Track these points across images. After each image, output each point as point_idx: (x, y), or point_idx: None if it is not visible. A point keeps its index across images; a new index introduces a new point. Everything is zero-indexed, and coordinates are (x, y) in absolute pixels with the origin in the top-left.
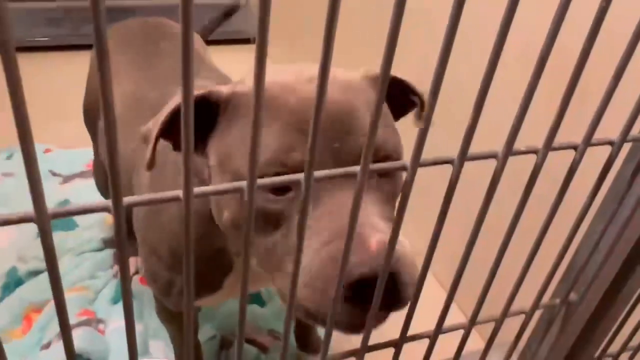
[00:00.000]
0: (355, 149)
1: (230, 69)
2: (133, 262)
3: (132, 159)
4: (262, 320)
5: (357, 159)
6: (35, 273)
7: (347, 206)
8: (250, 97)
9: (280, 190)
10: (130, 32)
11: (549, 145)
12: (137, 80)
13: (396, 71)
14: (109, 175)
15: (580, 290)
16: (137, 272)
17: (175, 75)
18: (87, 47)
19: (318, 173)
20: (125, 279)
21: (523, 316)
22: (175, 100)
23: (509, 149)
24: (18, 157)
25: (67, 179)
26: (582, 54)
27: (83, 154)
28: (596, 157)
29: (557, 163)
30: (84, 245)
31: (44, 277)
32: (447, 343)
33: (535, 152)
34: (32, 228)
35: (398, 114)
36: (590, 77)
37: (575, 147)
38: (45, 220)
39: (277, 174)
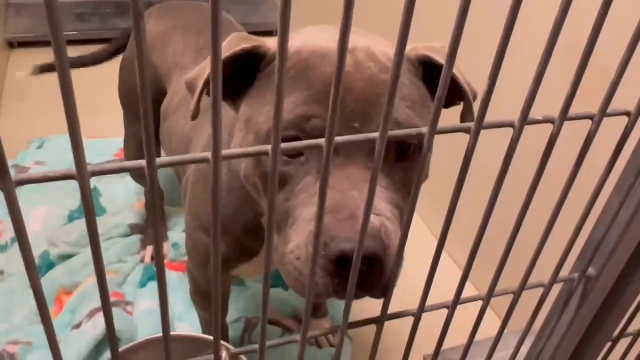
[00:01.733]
0: (374, 131)
1: None
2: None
3: (189, 136)
4: (285, 303)
5: (373, 144)
6: (65, 257)
7: (348, 182)
8: (289, 60)
9: (291, 154)
10: (185, 14)
11: (564, 114)
12: (198, 60)
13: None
14: (143, 137)
15: (598, 264)
16: (163, 257)
17: None
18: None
19: (338, 138)
20: (158, 239)
21: (540, 292)
22: (225, 49)
23: (525, 118)
24: (48, 146)
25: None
26: (596, 25)
27: (111, 144)
28: (614, 128)
29: (575, 135)
30: (112, 231)
31: (75, 261)
32: (465, 319)
33: (551, 121)
34: (61, 214)
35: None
36: (607, 49)
37: (591, 117)
38: (85, 177)
39: (295, 137)
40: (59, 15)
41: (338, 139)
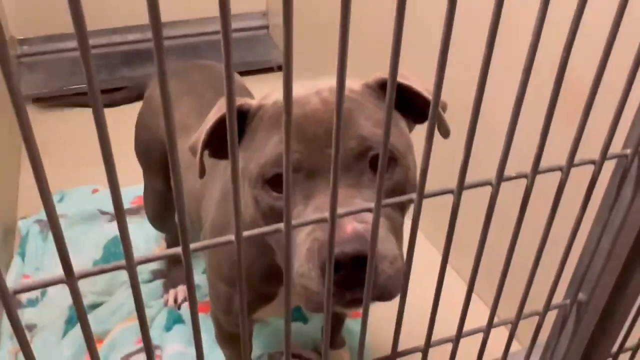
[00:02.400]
0: (345, 153)
1: (257, 96)
2: (182, 291)
3: (200, 193)
4: (306, 336)
5: (347, 161)
6: (93, 306)
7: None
8: (270, 110)
9: (277, 187)
10: (190, 77)
11: (535, 169)
12: (200, 120)
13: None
14: (179, 230)
15: (587, 290)
16: (186, 300)
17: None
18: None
19: (340, 211)
20: (194, 310)
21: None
22: (214, 114)
23: (500, 176)
24: (68, 200)
25: (114, 216)
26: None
27: (128, 192)
28: (587, 173)
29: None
30: None
31: (103, 309)
32: (470, 338)
33: (524, 176)
34: (86, 265)
35: (418, 118)
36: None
37: (560, 169)
38: (134, 267)
39: (277, 174)
40: (93, 69)
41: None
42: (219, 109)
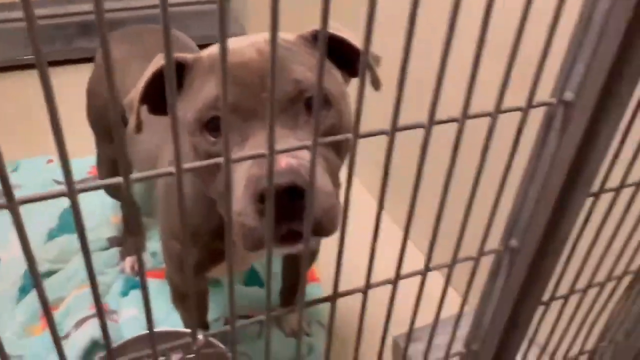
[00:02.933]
0: (280, 94)
1: None
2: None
3: (156, 152)
4: (263, 300)
5: (282, 104)
6: (48, 274)
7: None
8: (206, 61)
9: (215, 132)
10: (143, 41)
11: (465, 114)
12: None
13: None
14: (119, 157)
15: (518, 237)
16: None
17: None
18: (81, 60)
19: (277, 147)
20: (138, 245)
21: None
22: (151, 69)
23: (432, 120)
24: (23, 170)
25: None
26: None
27: (84, 163)
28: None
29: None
30: (91, 245)
31: (57, 277)
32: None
33: (456, 120)
34: (40, 233)
35: (352, 71)
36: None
37: (490, 114)
38: (75, 194)
39: (214, 117)
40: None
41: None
42: (155, 63)
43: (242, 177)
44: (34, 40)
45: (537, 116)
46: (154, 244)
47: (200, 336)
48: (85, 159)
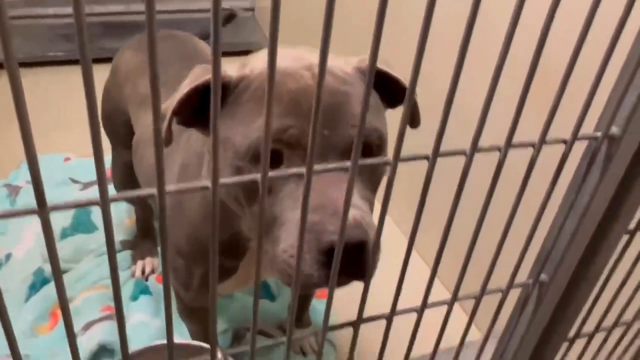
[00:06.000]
0: (343, 138)
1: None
2: (150, 263)
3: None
4: (272, 314)
5: (344, 146)
6: None
7: (327, 185)
8: (256, 81)
9: (272, 164)
10: (159, 48)
11: (508, 143)
12: (163, 93)
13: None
14: (156, 163)
15: (550, 271)
16: (153, 272)
17: None
18: (101, 60)
19: (317, 167)
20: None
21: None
22: (188, 83)
23: (474, 147)
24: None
25: (86, 185)
26: (535, 55)
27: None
28: (558, 156)
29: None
30: (103, 247)
31: (68, 276)
32: (433, 319)
33: (498, 149)
34: (54, 232)
35: (393, 103)
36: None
37: (532, 145)
38: (107, 203)
39: (275, 150)
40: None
41: (316, 167)
42: (195, 78)
43: (298, 217)
44: (81, 39)
45: (578, 150)
46: None
47: (219, 355)
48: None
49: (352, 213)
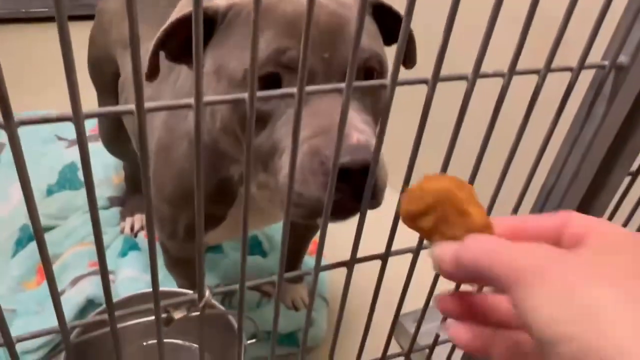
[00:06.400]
0: (343, 60)
1: None
2: (139, 219)
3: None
4: (264, 270)
5: (344, 68)
6: (46, 230)
7: (331, 109)
8: (246, 7)
9: (270, 88)
10: None
11: (512, 69)
12: (150, 31)
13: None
14: (134, 83)
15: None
16: (142, 228)
17: None
18: (85, 17)
19: (309, 88)
20: (146, 176)
21: None
22: (176, 13)
23: (477, 72)
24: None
25: (72, 142)
26: None
27: (88, 120)
28: (563, 84)
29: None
30: None
31: (55, 233)
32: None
33: (502, 75)
34: (39, 188)
35: (390, 40)
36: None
37: (537, 72)
38: (81, 119)
39: (272, 73)
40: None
41: (309, 88)
42: (179, 10)
43: (300, 140)
44: None
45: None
46: None
47: (207, 293)
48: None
49: (357, 136)
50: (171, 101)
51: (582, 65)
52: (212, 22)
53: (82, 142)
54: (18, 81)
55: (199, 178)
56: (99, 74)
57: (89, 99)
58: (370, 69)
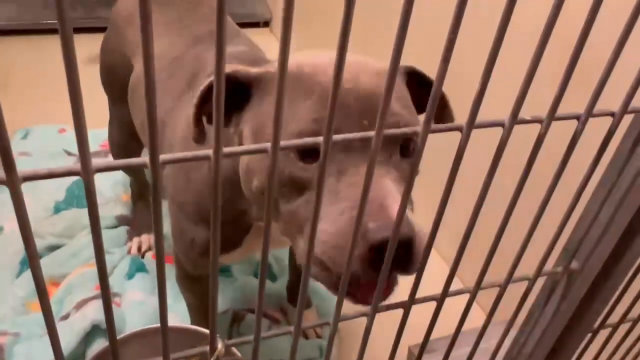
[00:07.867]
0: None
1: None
2: (146, 240)
3: (163, 118)
4: (273, 295)
5: (386, 139)
6: (52, 248)
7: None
8: (291, 73)
9: (309, 158)
10: (177, 8)
11: (552, 114)
12: (174, 41)
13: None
14: (148, 134)
15: (581, 259)
16: (150, 249)
17: (211, 40)
18: (100, 29)
19: (336, 137)
20: (158, 233)
21: (525, 285)
22: (205, 83)
23: (515, 117)
24: (32, 137)
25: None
26: (586, 25)
27: (97, 134)
28: (599, 129)
29: (563, 135)
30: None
31: (62, 252)
32: (450, 313)
33: (539, 121)
34: (47, 206)
35: (423, 108)
36: (595, 50)
37: (578, 117)
38: (90, 173)
39: (314, 147)
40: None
41: (336, 137)
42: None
43: (340, 210)
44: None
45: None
46: (164, 227)
47: (219, 345)
48: (98, 131)
49: (397, 208)
50: (189, 152)
51: (625, 110)
52: (245, 86)
53: (91, 200)
54: (33, 92)
55: (216, 231)
56: (113, 81)
57: (98, 110)
58: (407, 141)
